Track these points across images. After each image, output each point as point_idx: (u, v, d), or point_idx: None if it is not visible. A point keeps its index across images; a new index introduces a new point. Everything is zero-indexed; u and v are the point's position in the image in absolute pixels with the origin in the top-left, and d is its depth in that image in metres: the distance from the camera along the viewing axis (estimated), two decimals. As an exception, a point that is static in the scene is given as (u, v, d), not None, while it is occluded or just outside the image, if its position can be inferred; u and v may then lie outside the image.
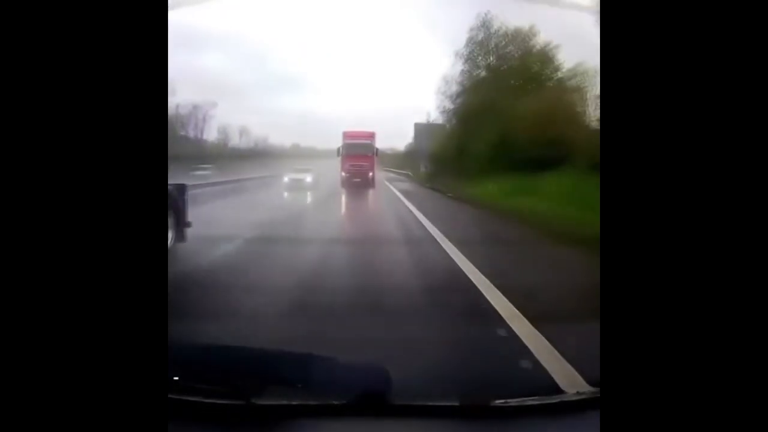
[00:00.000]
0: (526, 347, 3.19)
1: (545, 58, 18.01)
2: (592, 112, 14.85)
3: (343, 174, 19.66)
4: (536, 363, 2.93)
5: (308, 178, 19.41)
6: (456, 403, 1.39)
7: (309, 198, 16.34)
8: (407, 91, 33.16)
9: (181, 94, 19.45)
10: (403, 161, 26.10)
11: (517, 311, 3.89)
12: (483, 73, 19.03)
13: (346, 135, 20.07)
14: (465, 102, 19.15)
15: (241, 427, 1.32)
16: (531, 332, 3.42)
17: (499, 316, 3.87)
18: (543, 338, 3.27)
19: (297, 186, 18.66)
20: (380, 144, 21.06)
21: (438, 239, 7.39)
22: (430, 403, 1.39)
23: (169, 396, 1.18)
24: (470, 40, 19.08)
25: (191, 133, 23.64)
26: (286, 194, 17.51)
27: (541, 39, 18.13)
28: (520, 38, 18.55)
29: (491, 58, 18.97)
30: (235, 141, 25.69)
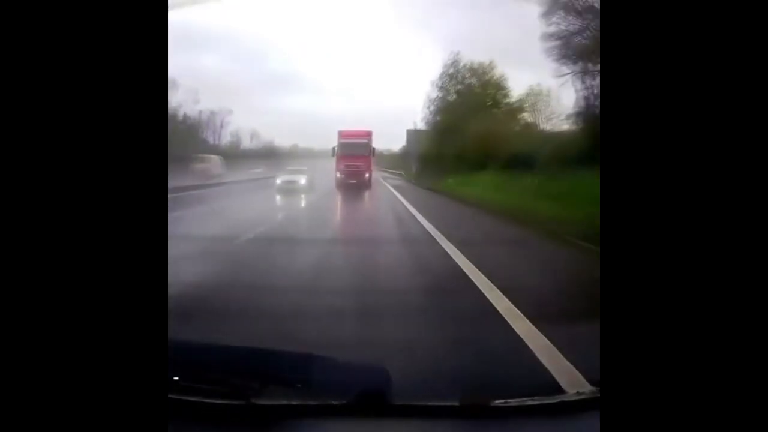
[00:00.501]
0: (448, 254, 5.11)
1: (499, 86, 19.03)
2: (542, 125, 17.08)
3: (338, 175, 16.45)
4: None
5: (302, 180, 15.65)
6: (456, 403, 1.19)
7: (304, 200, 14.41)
8: (406, 95, 27.81)
9: (180, 94, 17.06)
10: (397, 162, 25.04)
11: (442, 235, 6.45)
12: (453, 98, 19.15)
13: (342, 134, 16.66)
14: (440, 119, 19.42)
15: (241, 427, 1.12)
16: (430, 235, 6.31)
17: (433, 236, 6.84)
18: (471, 262, 4.59)
19: (291, 188, 15.15)
20: (378, 145, 17.91)
21: (409, 209, 10.72)
22: (430, 403, 1.19)
23: (169, 396, 1.01)
24: (443, 74, 19.75)
25: (210, 138, 22.21)
26: (278, 197, 14.67)
27: (498, 71, 18.92)
28: (481, 71, 19.42)
29: (459, 87, 19.27)
30: (246, 144, 24.03)
